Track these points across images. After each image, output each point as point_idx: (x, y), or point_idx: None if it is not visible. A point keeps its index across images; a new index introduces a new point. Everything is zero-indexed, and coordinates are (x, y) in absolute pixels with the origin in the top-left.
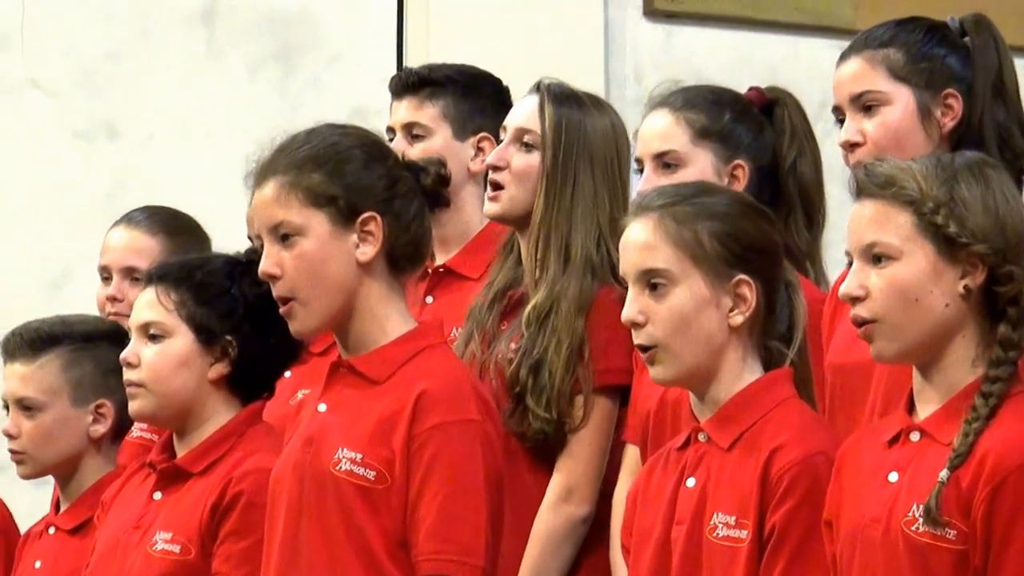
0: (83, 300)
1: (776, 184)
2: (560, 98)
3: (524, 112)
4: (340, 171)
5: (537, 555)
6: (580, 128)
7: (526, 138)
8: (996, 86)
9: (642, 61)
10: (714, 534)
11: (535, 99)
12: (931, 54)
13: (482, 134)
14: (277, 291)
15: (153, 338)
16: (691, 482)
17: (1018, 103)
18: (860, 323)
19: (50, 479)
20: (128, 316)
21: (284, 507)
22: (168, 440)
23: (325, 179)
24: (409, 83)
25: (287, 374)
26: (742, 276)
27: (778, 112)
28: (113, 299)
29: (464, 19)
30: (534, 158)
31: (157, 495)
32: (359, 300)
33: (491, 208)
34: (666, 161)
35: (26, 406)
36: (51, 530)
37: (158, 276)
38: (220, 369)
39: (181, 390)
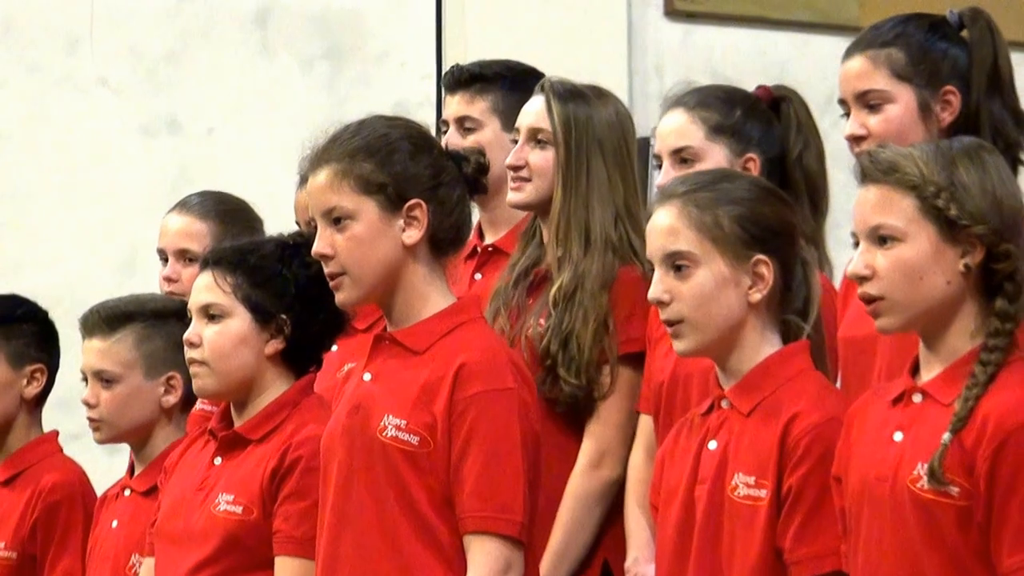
0: (150, 281)
1: (783, 174)
2: (565, 95)
3: (534, 112)
4: (389, 161)
5: (570, 516)
6: (587, 121)
7: (539, 136)
8: (991, 78)
9: (663, 58)
10: (735, 493)
11: (542, 99)
12: (931, 53)
13: None
14: (329, 269)
15: (212, 318)
16: (713, 444)
17: (1013, 94)
18: (868, 300)
19: (118, 447)
20: (183, 295)
21: (336, 470)
22: (226, 410)
23: (375, 168)
24: (461, 79)
25: (334, 348)
26: (760, 256)
27: (784, 108)
28: (169, 279)
29: (499, 20)
30: (549, 153)
31: (217, 460)
32: (403, 279)
33: (515, 197)
34: (683, 157)
35: (103, 378)
36: (126, 492)
37: (214, 261)
38: (275, 345)
39: (241, 366)
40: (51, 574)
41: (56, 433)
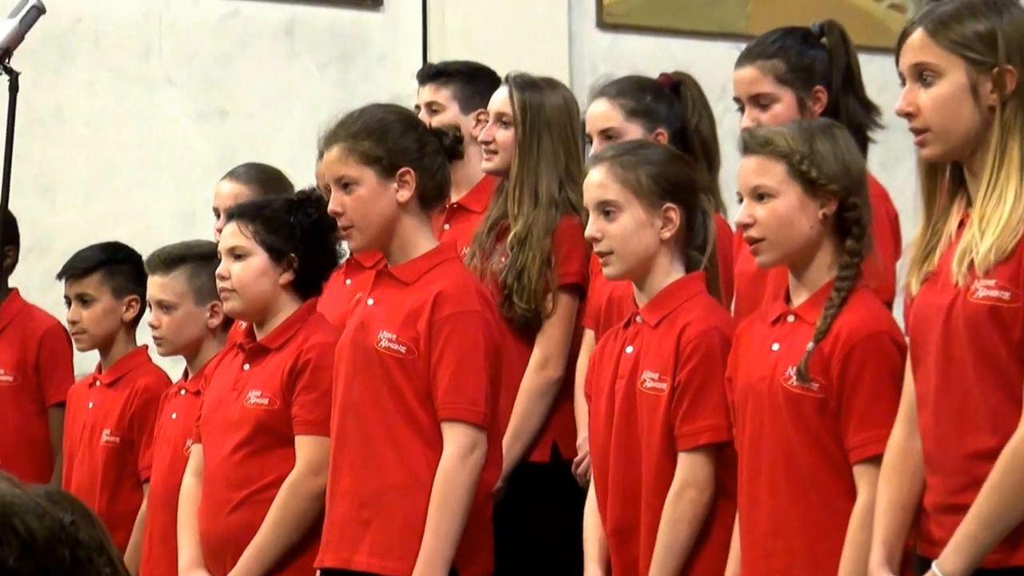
0: (206, 232)
1: (684, 141)
2: (522, 85)
3: (499, 99)
4: (384, 138)
5: (522, 408)
6: (540, 105)
7: (504, 118)
8: (845, 76)
9: (596, 59)
10: (644, 386)
11: (505, 88)
12: (804, 60)
13: (481, 110)
14: (341, 223)
15: (238, 258)
16: (629, 349)
17: (861, 88)
18: (751, 242)
19: (174, 359)
20: None
21: (344, 372)
22: (250, 328)
23: (374, 144)
24: (429, 74)
25: (348, 282)
26: (670, 204)
27: (682, 90)
28: (221, 231)
29: (471, 31)
30: (511, 131)
31: (246, 367)
32: (398, 228)
33: (487, 166)
34: (608, 135)
35: (163, 306)
36: (182, 392)
37: (237, 214)
38: (287, 277)
39: (262, 293)
40: (144, 455)
41: (146, 347)
